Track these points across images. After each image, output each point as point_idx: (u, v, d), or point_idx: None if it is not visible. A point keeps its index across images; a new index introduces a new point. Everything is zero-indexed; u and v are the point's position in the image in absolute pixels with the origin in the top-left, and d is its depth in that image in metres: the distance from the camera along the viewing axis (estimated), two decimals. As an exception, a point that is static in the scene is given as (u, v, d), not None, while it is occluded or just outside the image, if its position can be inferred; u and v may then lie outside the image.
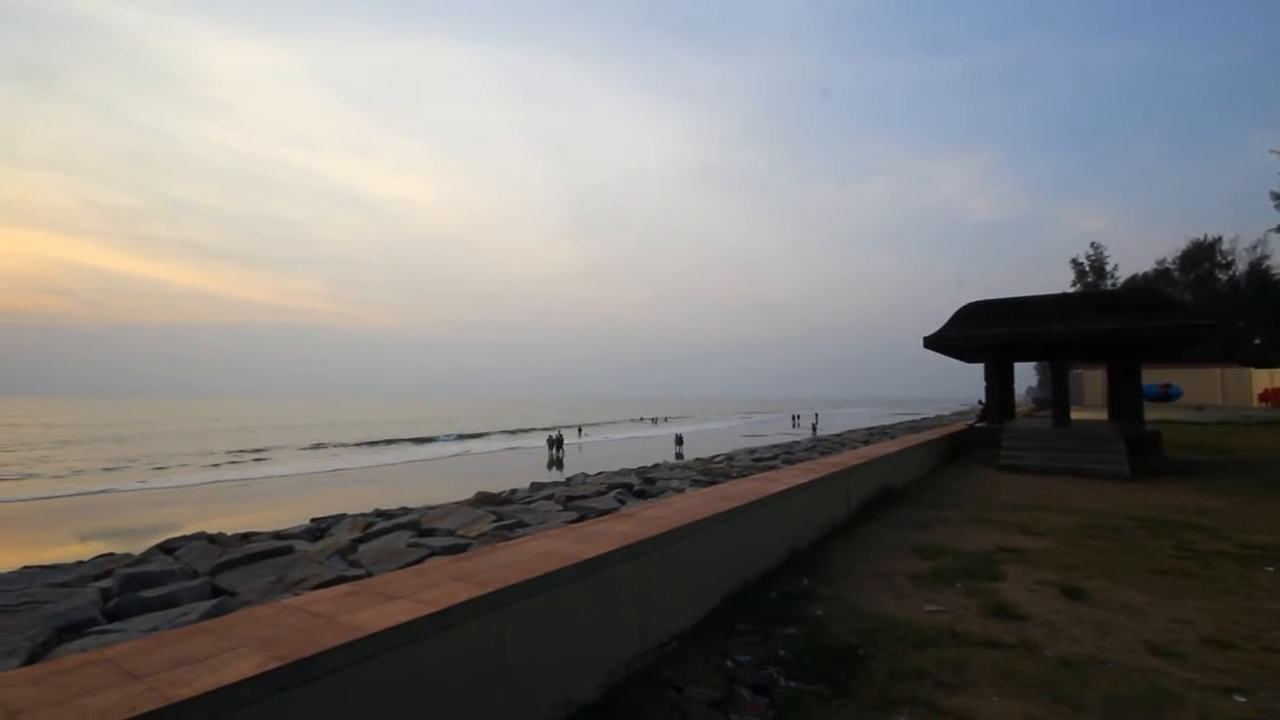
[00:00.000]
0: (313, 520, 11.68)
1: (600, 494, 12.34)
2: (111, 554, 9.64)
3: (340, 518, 11.59)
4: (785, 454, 23.50)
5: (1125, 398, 15.72)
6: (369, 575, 6.41)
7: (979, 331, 15.47)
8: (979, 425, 17.70)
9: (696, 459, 23.98)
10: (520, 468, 26.18)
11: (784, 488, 5.81)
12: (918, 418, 64.61)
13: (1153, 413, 22.97)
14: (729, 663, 3.57)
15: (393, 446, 39.44)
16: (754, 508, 5.09)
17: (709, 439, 42.63)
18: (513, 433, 48.20)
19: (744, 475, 15.07)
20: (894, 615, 4.29)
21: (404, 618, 2.38)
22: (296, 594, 5.53)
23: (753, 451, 27.08)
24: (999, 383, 17.58)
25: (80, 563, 8.99)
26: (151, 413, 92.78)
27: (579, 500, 11.57)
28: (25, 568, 8.81)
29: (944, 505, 8.74)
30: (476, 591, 2.68)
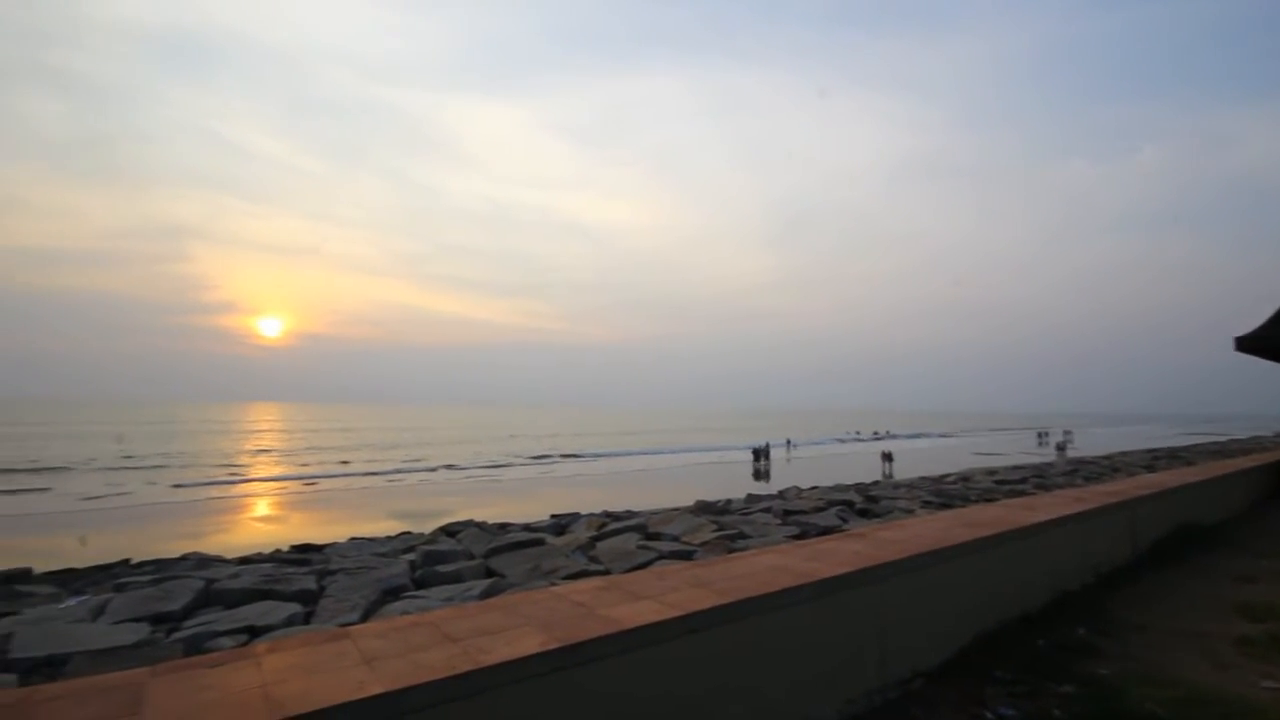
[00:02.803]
0: (553, 516, 13.10)
1: (819, 510, 11.89)
2: (409, 532, 11.86)
3: (575, 516, 12.81)
4: (1036, 476, 20.29)
5: None
6: (607, 572, 7.00)
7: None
8: (1331, 451, 13.51)
9: (922, 477, 21.86)
10: (729, 478, 26.40)
11: (1046, 518, 5.05)
12: (1223, 439, 51.27)
13: None
14: (988, 714, 3.21)
15: (609, 456, 42.38)
16: (1008, 539, 4.50)
17: (934, 455, 38.63)
18: (722, 448, 48.70)
19: (985, 499, 13.36)
20: (1217, 687, 3.45)
21: (654, 617, 2.56)
22: (551, 582, 6.26)
23: (992, 472, 23.87)
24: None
25: (390, 538, 11.22)
26: (438, 419, 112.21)
27: (797, 515, 11.29)
28: (353, 539, 11.25)
29: (1277, 554, 6.82)
30: (717, 600, 2.77)
